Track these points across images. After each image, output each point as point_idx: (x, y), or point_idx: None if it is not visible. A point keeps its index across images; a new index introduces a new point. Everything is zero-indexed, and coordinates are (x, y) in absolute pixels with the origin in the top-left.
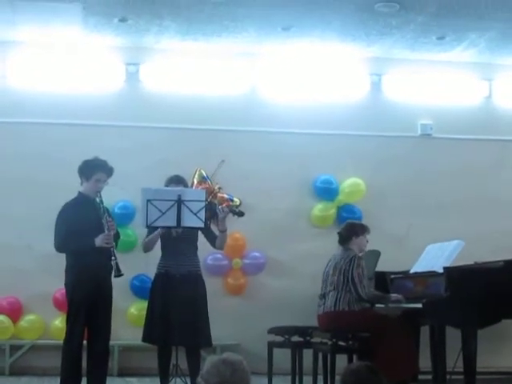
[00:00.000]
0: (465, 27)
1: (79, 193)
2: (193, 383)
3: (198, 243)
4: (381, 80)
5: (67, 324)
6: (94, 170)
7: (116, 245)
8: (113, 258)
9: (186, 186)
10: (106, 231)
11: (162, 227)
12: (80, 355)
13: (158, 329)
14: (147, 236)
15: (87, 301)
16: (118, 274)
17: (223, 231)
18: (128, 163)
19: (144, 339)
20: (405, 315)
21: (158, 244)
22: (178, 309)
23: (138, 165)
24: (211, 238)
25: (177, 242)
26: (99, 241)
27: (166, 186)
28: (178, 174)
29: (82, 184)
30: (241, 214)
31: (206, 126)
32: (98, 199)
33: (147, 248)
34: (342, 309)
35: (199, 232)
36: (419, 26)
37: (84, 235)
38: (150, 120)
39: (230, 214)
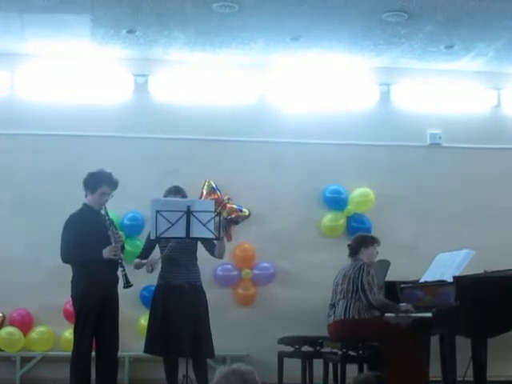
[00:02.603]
0: (473, 36)
1: (84, 204)
2: None
3: (206, 255)
4: (389, 89)
5: (75, 335)
6: (99, 183)
7: (122, 249)
8: (121, 269)
9: (184, 196)
10: (113, 243)
11: (171, 238)
12: (88, 366)
13: (158, 340)
14: (141, 250)
15: (94, 312)
16: (127, 285)
17: (220, 239)
18: (137, 174)
19: (145, 350)
20: (415, 324)
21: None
22: (178, 320)
23: (147, 176)
24: (210, 247)
25: (176, 254)
26: (107, 253)
27: (165, 196)
28: (187, 184)
29: (86, 196)
30: (236, 222)
31: (215, 136)
32: (102, 211)
33: (136, 267)
34: (352, 316)
35: (198, 243)
36: (427, 35)
37: (90, 246)
38: (159, 131)
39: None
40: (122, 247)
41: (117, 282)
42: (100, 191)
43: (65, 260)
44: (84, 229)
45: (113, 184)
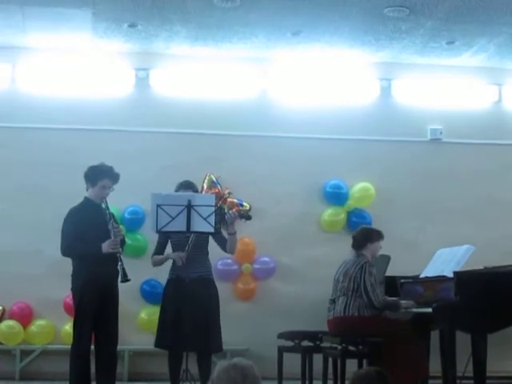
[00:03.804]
0: (474, 32)
1: (85, 198)
2: None
3: (209, 249)
4: (390, 85)
5: (75, 329)
6: (100, 176)
7: (122, 250)
8: (119, 263)
9: (195, 191)
10: (113, 237)
11: (172, 232)
12: (88, 359)
13: (169, 334)
14: (157, 246)
15: (94, 305)
16: (125, 279)
17: (232, 234)
18: (138, 168)
19: (156, 345)
20: (415, 320)
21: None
22: (189, 314)
23: (148, 170)
24: (221, 242)
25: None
26: (106, 247)
27: (176, 191)
28: (188, 179)
29: (87, 190)
30: (248, 218)
31: (216, 130)
32: (103, 205)
33: (156, 265)
34: (351, 314)
35: (210, 237)
36: (429, 30)
37: (90, 240)
38: (160, 125)
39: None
40: (123, 241)
41: (117, 276)
42: (101, 184)
43: (64, 253)
44: (84, 222)
45: (114, 177)
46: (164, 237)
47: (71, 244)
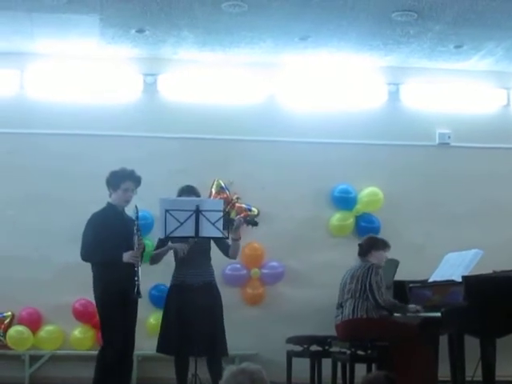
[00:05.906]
0: (482, 36)
1: (108, 203)
2: None
3: (217, 254)
4: (398, 89)
5: (103, 335)
6: (121, 179)
7: (142, 257)
8: (136, 278)
9: (197, 195)
10: (135, 249)
11: (180, 238)
12: (115, 366)
13: (172, 339)
14: (156, 248)
15: (119, 310)
16: (137, 296)
17: (236, 240)
18: (146, 173)
19: (158, 350)
20: (423, 324)
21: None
22: (193, 319)
23: (156, 175)
24: (224, 247)
25: (190, 253)
26: (127, 256)
27: (178, 196)
28: (196, 184)
29: (110, 196)
30: (255, 224)
31: (224, 136)
32: (133, 215)
33: (154, 261)
34: (360, 316)
35: (212, 242)
36: (436, 34)
37: (111, 246)
38: (168, 130)
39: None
40: (143, 252)
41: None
42: (123, 187)
43: (84, 258)
44: (105, 228)
45: (135, 179)
46: (163, 242)
47: (91, 249)
